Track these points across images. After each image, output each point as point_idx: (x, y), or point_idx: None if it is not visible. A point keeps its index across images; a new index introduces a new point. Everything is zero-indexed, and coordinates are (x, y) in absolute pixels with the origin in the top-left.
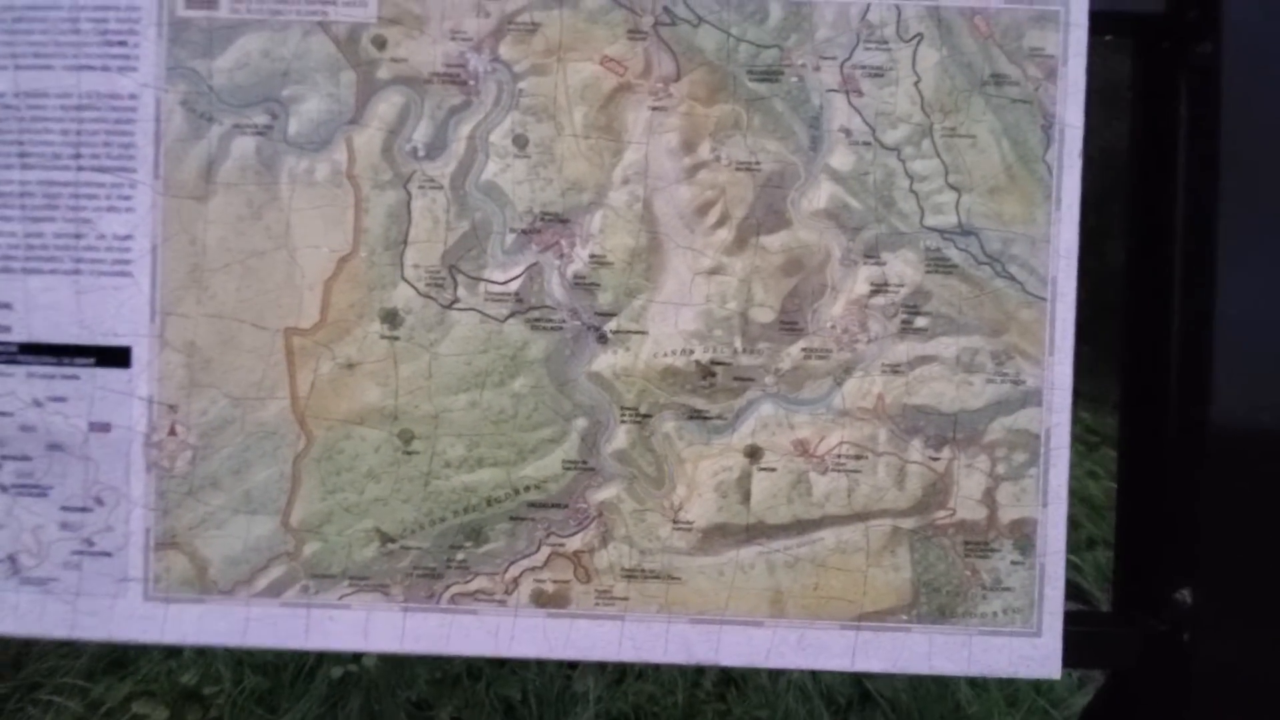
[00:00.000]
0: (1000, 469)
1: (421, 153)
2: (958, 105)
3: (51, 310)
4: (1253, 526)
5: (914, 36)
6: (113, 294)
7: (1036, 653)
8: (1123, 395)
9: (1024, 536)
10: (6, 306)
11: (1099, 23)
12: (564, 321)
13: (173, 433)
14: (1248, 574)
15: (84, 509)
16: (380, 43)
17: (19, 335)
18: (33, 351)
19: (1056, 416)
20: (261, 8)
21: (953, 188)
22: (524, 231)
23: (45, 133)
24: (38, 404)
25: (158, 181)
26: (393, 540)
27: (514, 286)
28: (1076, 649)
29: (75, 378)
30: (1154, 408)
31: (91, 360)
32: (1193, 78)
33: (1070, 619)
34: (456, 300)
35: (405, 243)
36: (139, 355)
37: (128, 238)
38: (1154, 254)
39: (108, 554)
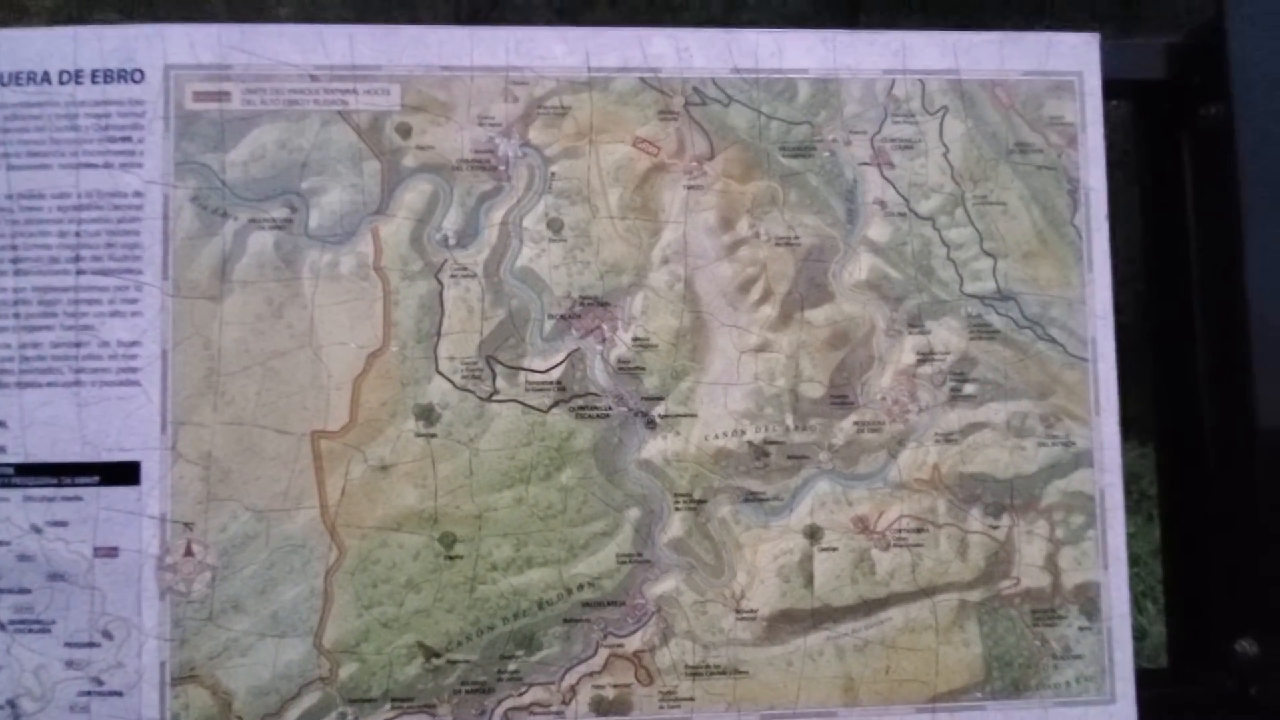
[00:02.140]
0: (1060, 533)
1: (452, 241)
2: (986, 174)
3: (50, 426)
4: None
5: (939, 109)
6: (118, 405)
7: None
8: (1160, 440)
9: (1089, 601)
10: (0, 425)
11: (1107, 89)
12: (610, 408)
13: (189, 553)
14: None
15: (91, 644)
16: (405, 130)
17: (14, 455)
18: (30, 473)
19: (1109, 476)
20: (277, 98)
21: (988, 254)
22: (563, 317)
23: (42, 235)
24: (36, 530)
25: (166, 282)
26: (438, 655)
27: (556, 374)
28: (1151, 713)
29: (78, 499)
30: (1192, 451)
31: (96, 479)
32: (1197, 137)
33: (1137, 680)
34: (496, 392)
35: (439, 334)
36: (149, 470)
37: (134, 344)
38: (1173, 299)
39: (119, 693)
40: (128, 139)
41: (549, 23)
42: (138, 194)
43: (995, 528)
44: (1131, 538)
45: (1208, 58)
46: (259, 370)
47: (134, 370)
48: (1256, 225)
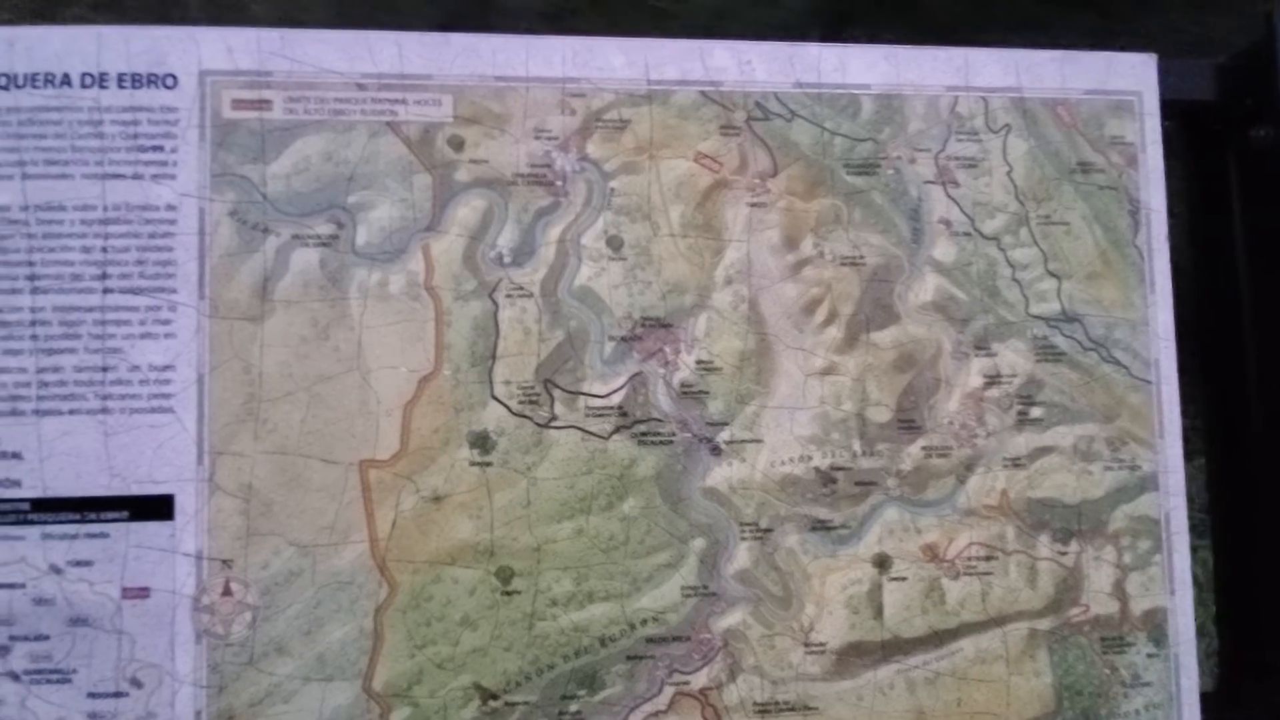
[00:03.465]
0: (1127, 558)
1: (508, 259)
2: (1049, 193)
3: (73, 457)
4: None
5: (1002, 127)
6: (150, 434)
7: None
8: (1210, 458)
9: (1156, 627)
10: (15, 456)
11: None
12: (674, 434)
13: (227, 592)
14: None
15: (118, 694)
16: (458, 143)
17: (31, 490)
18: (49, 508)
19: (1173, 500)
20: (322, 107)
21: (1053, 275)
22: (624, 339)
23: (63, 250)
24: (56, 571)
25: (203, 302)
26: (495, 696)
27: (616, 399)
28: None
29: (104, 535)
30: (1243, 471)
31: (124, 514)
32: (1247, 159)
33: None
34: (554, 418)
35: (494, 357)
36: (183, 504)
37: (167, 368)
38: (1222, 319)
39: None
40: (159, 148)
41: (535, 28)
42: (171, 207)
43: (1064, 554)
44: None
45: (1258, 79)
46: (303, 396)
47: (167, 396)
48: None
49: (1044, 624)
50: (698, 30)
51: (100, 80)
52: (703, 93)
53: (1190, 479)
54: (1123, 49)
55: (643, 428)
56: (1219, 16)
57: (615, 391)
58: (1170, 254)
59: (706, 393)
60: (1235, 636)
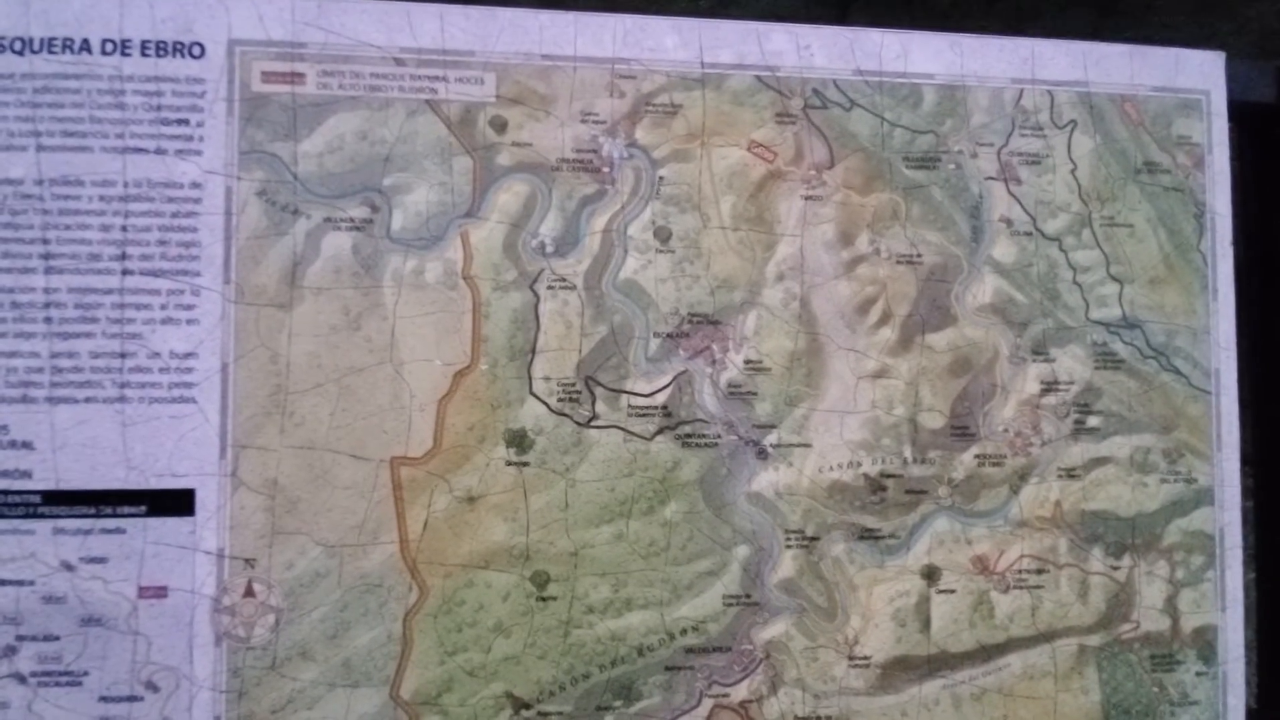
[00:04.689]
0: (1180, 574)
1: (550, 248)
2: (1114, 194)
3: (88, 448)
4: None
5: (1068, 123)
6: (170, 425)
7: None
8: (1255, 473)
9: (1206, 644)
10: (25, 446)
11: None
12: (719, 437)
13: (250, 593)
14: None
15: (132, 698)
16: (500, 125)
17: (43, 481)
18: (62, 501)
19: (1229, 515)
20: (357, 83)
21: (1115, 279)
22: (670, 336)
23: (80, 229)
24: (68, 567)
25: (228, 287)
26: (528, 706)
27: (660, 399)
28: None
29: (120, 531)
30: None
31: (142, 508)
32: None
33: None
34: (595, 417)
35: (533, 352)
36: (205, 499)
37: (190, 355)
38: (1272, 326)
39: None
40: (184, 121)
41: (585, 4)
42: (195, 184)
43: (1116, 568)
44: None
45: None
46: (333, 388)
47: (189, 385)
48: None
49: (1094, 640)
50: (699, 13)
51: (122, 47)
52: (758, 77)
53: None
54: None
55: (687, 429)
56: (1216, 18)
57: (659, 390)
58: (1236, 261)
59: (754, 394)
60: (1275, 655)
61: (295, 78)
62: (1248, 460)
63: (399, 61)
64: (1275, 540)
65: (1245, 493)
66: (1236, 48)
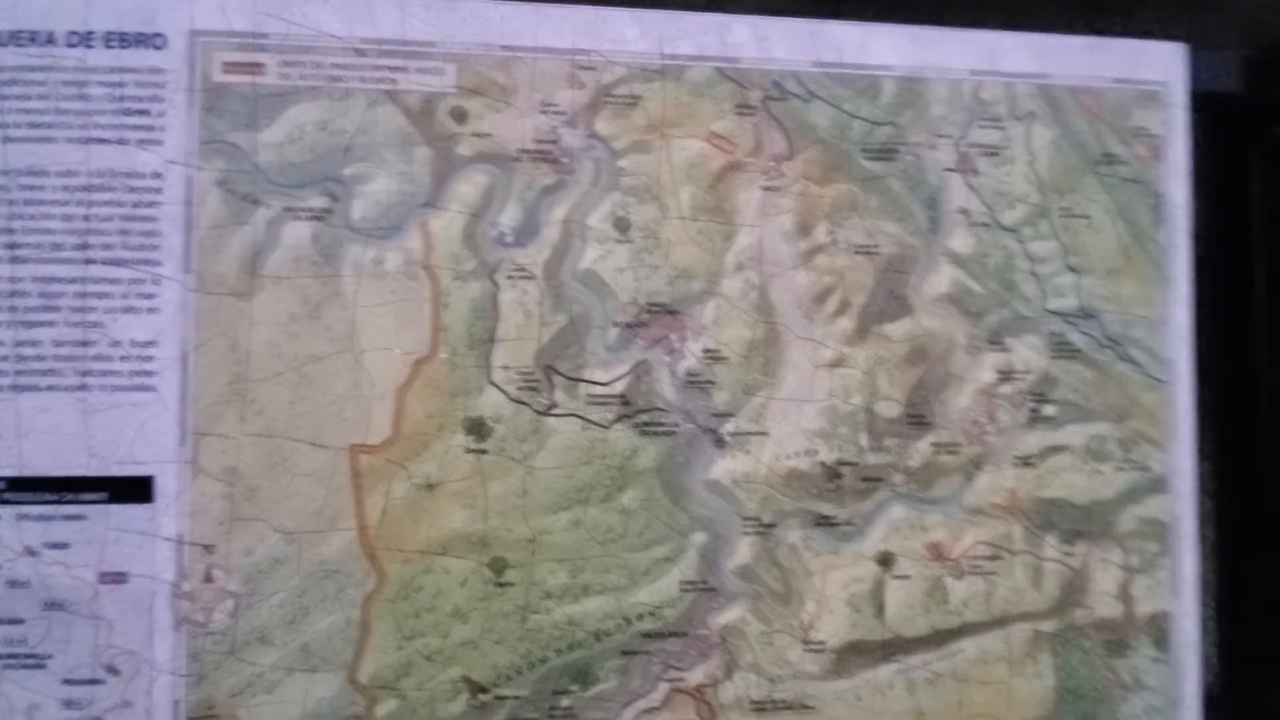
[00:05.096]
0: (1134, 561)
1: (510, 238)
2: (1072, 185)
3: (50, 435)
4: None
5: (1026, 114)
6: (130, 413)
7: None
8: (1218, 464)
9: (1160, 631)
10: None
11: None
12: (677, 425)
13: (209, 579)
14: None
15: (94, 681)
16: (460, 115)
17: (6, 468)
18: (25, 487)
19: (1183, 502)
20: (318, 73)
21: (1072, 269)
22: (628, 325)
23: (43, 219)
24: (31, 553)
25: (188, 276)
26: (485, 690)
27: (619, 387)
28: None
29: (81, 518)
30: (1250, 476)
31: (103, 495)
32: (1270, 154)
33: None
34: (554, 405)
35: (492, 341)
36: (164, 486)
37: (150, 344)
38: (1236, 317)
39: None
40: (145, 112)
41: None
42: (156, 174)
43: (1070, 555)
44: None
45: None
46: (292, 377)
47: (149, 374)
48: None
49: (1048, 626)
50: (689, 6)
51: (86, 39)
52: (718, 69)
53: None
54: (1099, 34)
55: (645, 417)
56: (1187, 6)
57: (618, 379)
58: (1192, 251)
59: (713, 383)
60: (1236, 641)
61: (256, 68)
62: (1207, 454)
63: (359, 52)
64: (1236, 528)
65: (1207, 481)
66: (1206, 38)
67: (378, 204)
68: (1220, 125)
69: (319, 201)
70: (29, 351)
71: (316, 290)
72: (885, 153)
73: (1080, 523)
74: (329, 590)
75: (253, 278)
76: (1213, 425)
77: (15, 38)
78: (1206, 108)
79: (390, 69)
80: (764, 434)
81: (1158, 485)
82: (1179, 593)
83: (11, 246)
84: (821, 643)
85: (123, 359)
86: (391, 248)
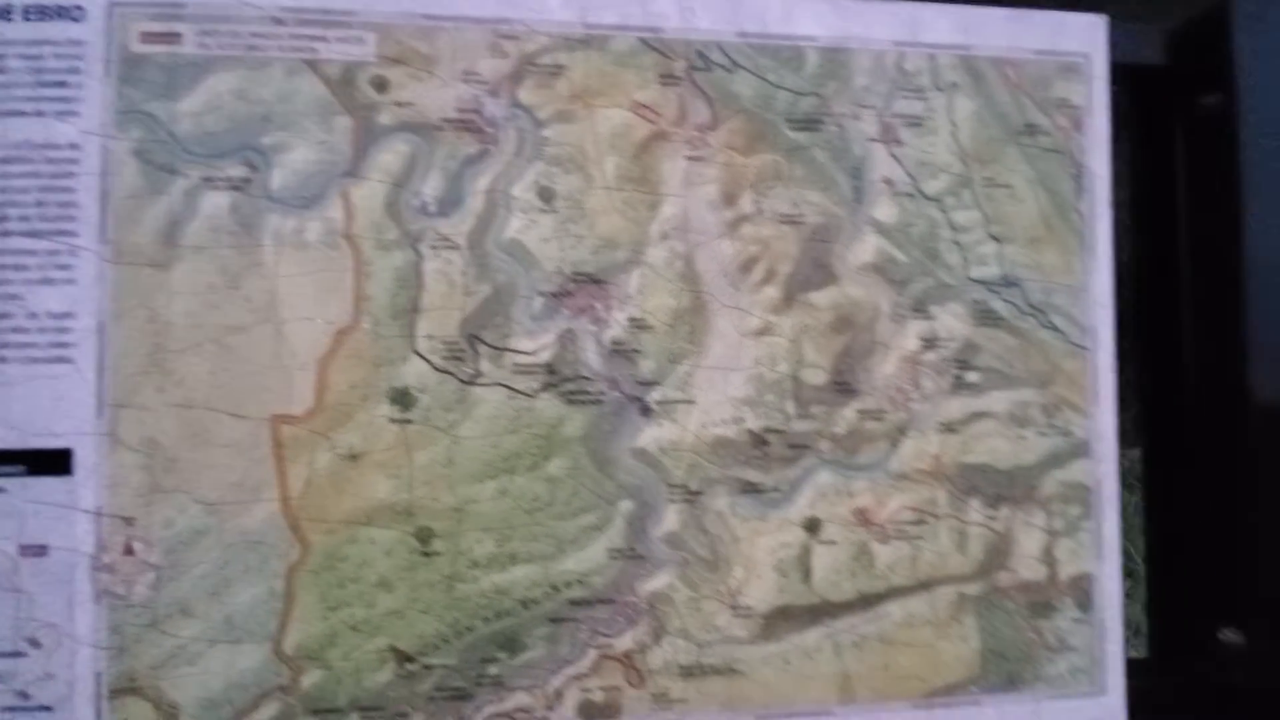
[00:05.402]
0: (1057, 524)
1: (433, 208)
2: (995, 155)
3: None
4: None
5: (949, 85)
6: (48, 385)
7: (1103, 712)
8: (1147, 429)
9: (1083, 593)
10: None
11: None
12: (603, 393)
13: (129, 551)
14: None
15: (15, 654)
16: (381, 84)
17: None
18: None
19: (1104, 466)
20: (235, 42)
21: (994, 238)
22: (554, 294)
23: None
24: None
25: (105, 247)
26: (411, 659)
27: (545, 356)
28: (1136, 703)
29: (1, 490)
30: (1176, 439)
31: (21, 468)
32: (1195, 127)
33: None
34: (479, 374)
35: (416, 310)
36: (83, 458)
37: (67, 315)
38: (1163, 286)
39: (48, 708)
40: (63, 84)
41: None
42: (74, 146)
43: (994, 519)
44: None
45: (1209, 45)
46: (211, 347)
47: (66, 345)
48: (1253, 217)
49: (972, 589)
50: None
51: (5, 12)
52: (642, 39)
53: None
54: (1021, 6)
55: (571, 386)
56: None
57: (543, 348)
58: (1112, 220)
59: (638, 351)
60: (1165, 606)
61: (173, 38)
62: (1138, 419)
63: (278, 21)
64: (1166, 493)
65: (1132, 444)
66: (1129, 11)
67: (297, 173)
68: (1144, 97)
69: (238, 171)
70: None
71: (236, 260)
72: (809, 123)
73: (1004, 487)
74: (252, 561)
75: (170, 248)
76: (1141, 391)
77: None
78: (1130, 80)
79: (310, 38)
80: (690, 402)
81: (1080, 450)
82: (1101, 555)
83: None
84: (749, 608)
85: (40, 331)
86: (312, 217)
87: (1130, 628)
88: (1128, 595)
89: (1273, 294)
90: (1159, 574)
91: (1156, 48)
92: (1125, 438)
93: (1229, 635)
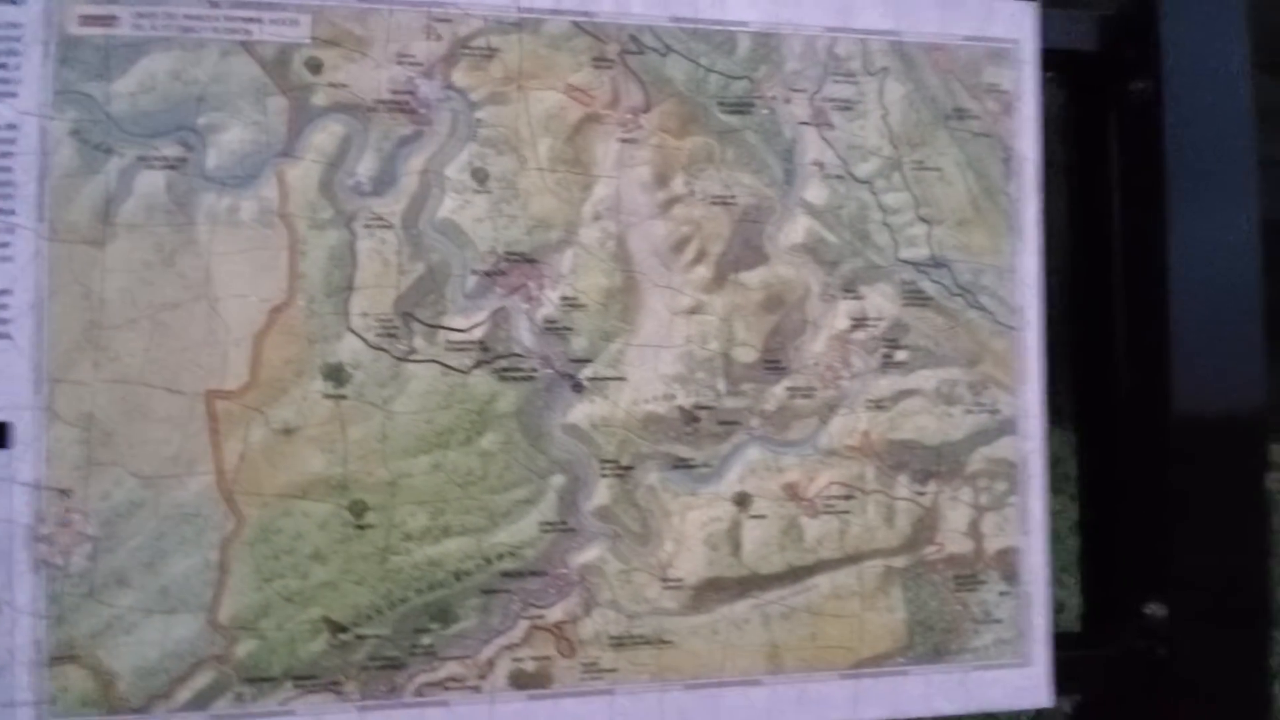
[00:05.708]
0: (983, 499)
1: (367, 188)
2: (924, 139)
3: None
4: (1220, 531)
5: (880, 70)
6: None
7: (1028, 682)
8: (1078, 407)
9: (1009, 566)
10: None
11: (1043, 59)
12: (535, 370)
13: (66, 523)
14: (1217, 583)
15: None
16: (315, 66)
17: None
18: None
19: (1031, 443)
20: (170, 24)
21: (923, 220)
22: (487, 273)
23: None
24: None
25: (42, 225)
26: (345, 630)
27: (478, 334)
28: (1064, 674)
29: None
30: (1108, 419)
31: None
32: (1126, 112)
33: (1053, 643)
34: (413, 351)
35: (351, 288)
36: (21, 432)
37: (4, 292)
38: (1096, 270)
39: None
40: (2, 65)
41: None
42: (11, 126)
43: (922, 494)
44: (1057, 514)
45: (1139, 32)
46: (147, 324)
47: (4, 322)
48: (1179, 203)
49: (899, 562)
50: None
51: None
52: (575, 23)
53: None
54: None
55: (504, 363)
56: None
57: (477, 326)
58: (1042, 203)
59: (570, 329)
60: (1096, 581)
61: (110, 20)
62: (1069, 396)
63: (213, 3)
64: (1098, 471)
65: (1066, 422)
66: None
67: (232, 153)
68: (1080, 83)
69: (173, 150)
70: None
71: (171, 238)
72: (741, 106)
73: (931, 463)
74: (187, 533)
75: (106, 226)
76: (1076, 373)
77: None
78: (1063, 65)
79: (244, 20)
80: (622, 379)
81: (1007, 427)
82: (1028, 529)
83: None
84: (679, 580)
85: None
86: (247, 196)
87: (1070, 612)
88: (1059, 582)
89: (1196, 278)
90: (1092, 551)
91: (1089, 34)
92: (1066, 419)
93: (1154, 609)
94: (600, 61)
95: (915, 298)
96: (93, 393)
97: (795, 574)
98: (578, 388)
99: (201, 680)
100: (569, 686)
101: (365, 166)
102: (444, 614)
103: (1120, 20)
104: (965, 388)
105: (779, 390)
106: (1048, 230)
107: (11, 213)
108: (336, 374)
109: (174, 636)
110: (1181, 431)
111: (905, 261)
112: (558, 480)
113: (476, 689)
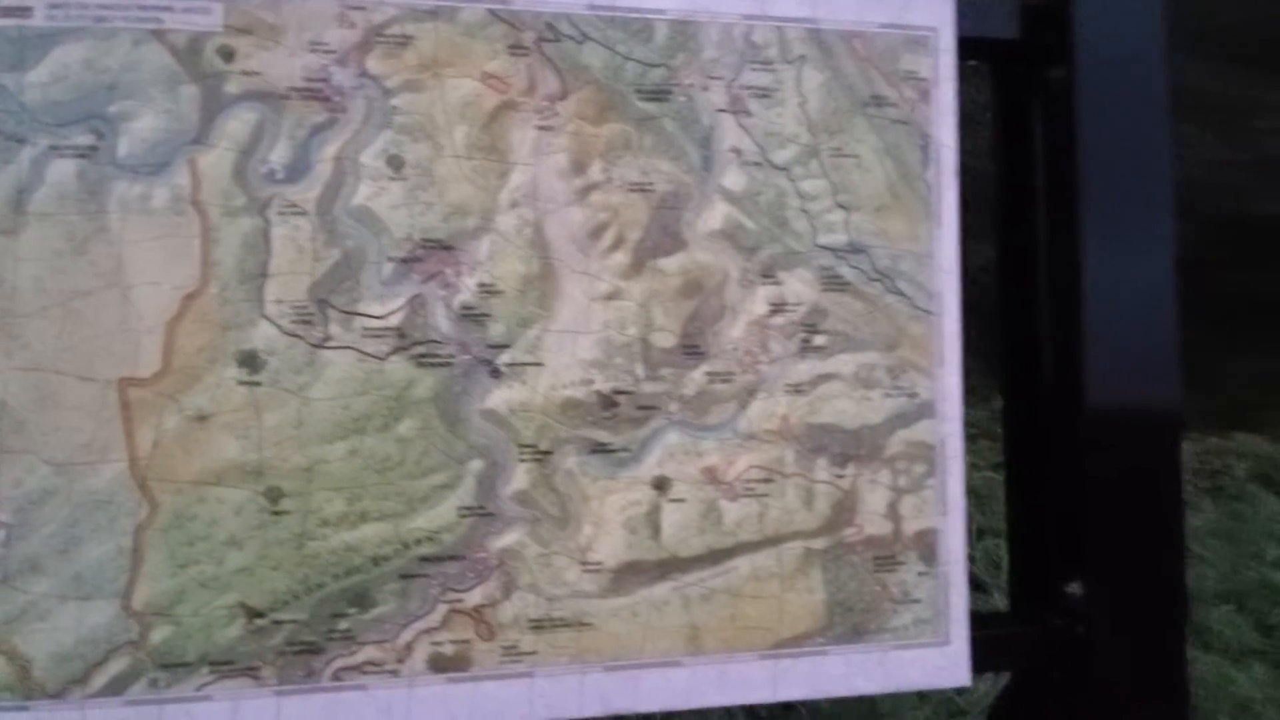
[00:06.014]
0: (902, 481)
1: (280, 175)
2: (842, 126)
3: None
4: (1136, 514)
5: (797, 58)
6: None
7: (947, 661)
8: (1005, 393)
9: (927, 547)
10: None
11: (963, 47)
12: (453, 356)
13: None
14: (1135, 563)
15: None
16: (228, 54)
17: None
18: None
19: (949, 426)
20: (84, 14)
21: (841, 206)
22: (403, 260)
23: None
24: None
25: None
26: (261, 615)
27: (395, 320)
28: (983, 653)
29: None
30: (1032, 404)
31: None
32: (1047, 99)
33: (974, 622)
34: (328, 338)
35: (265, 275)
36: None
37: None
38: (1020, 258)
39: None
40: None
41: None
42: None
43: (841, 477)
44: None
45: (1055, 19)
46: (58, 312)
47: None
48: (1093, 189)
49: (818, 544)
50: None
51: None
52: (491, 11)
53: (975, 394)
54: None
55: (421, 349)
56: None
57: (393, 312)
58: (959, 190)
59: (488, 315)
60: (1023, 563)
61: (24, 11)
62: (996, 381)
63: None
64: (1023, 455)
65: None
66: None
67: (144, 141)
68: (1001, 70)
69: (84, 139)
70: None
71: (82, 226)
72: (659, 94)
73: (850, 446)
74: (101, 520)
75: (18, 215)
76: (1002, 356)
77: None
78: (983, 53)
79: (156, 8)
80: (540, 365)
81: (925, 410)
82: (946, 510)
83: None
84: (599, 563)
85: None
86: (159, 184)
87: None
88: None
89: (1111, 267)
90: (1019, 533)
91: (1009, 21)
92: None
93: (1073, 588)
94: (516, 49)
95: (833, 283)
96: (4, 380)
97: (715, 556)
98: (495, 374)
99: (117, 666)
100: (488, 669)
101: (279, 154)
102: (362, 599)
103: (1039, 8)
104: (884, 372)
105: (698, 375)
106: (977, 218)
107: None
108: (251, 361)
109: (88, 623)
110: (1097, 418)
111: (823, 247)
112: (476, 465)
113: (395, 673)
